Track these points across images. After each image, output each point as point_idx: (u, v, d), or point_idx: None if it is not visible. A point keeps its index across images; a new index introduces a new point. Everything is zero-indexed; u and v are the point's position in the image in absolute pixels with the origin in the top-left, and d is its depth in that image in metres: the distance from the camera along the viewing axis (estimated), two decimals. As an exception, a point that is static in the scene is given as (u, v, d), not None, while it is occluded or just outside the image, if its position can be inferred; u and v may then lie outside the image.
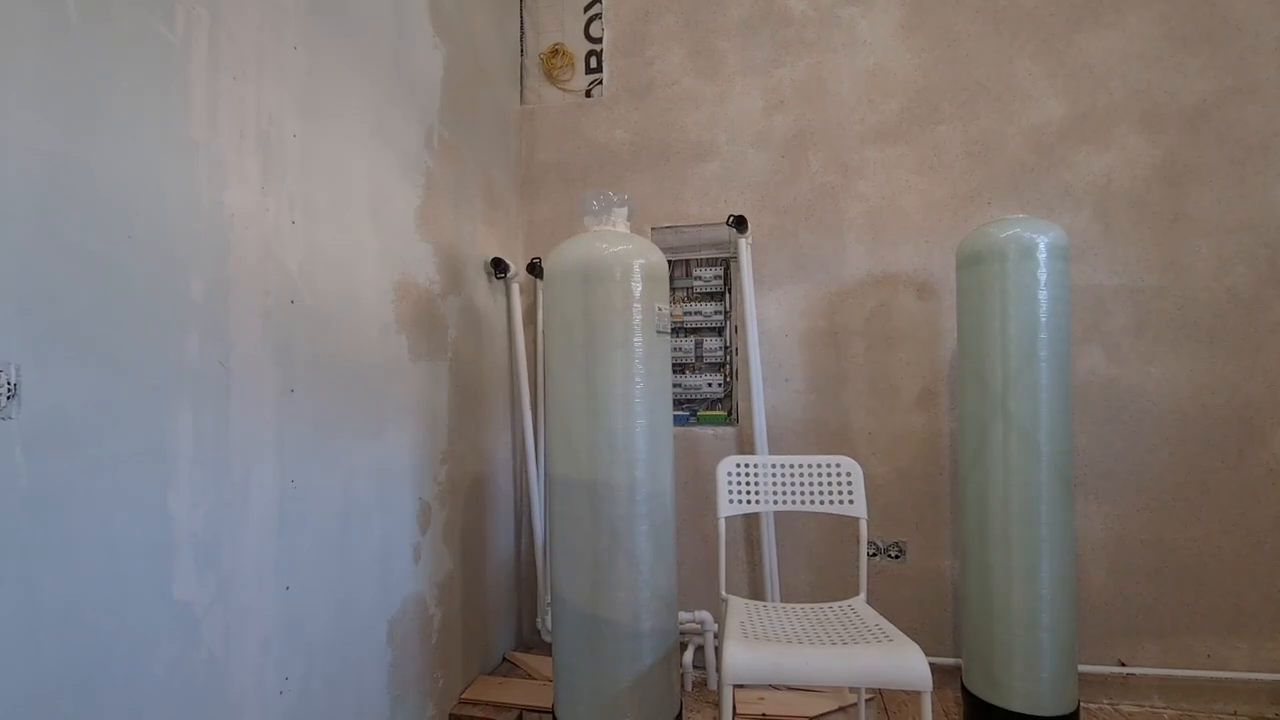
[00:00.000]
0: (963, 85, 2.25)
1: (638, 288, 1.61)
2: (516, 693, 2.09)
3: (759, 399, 2.27)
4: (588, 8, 2.57)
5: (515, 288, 2.46)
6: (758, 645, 1.38)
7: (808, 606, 1.70)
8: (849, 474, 1.76)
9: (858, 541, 1.72)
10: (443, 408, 2.00)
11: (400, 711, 1.74)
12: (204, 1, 1.21)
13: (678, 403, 2.46)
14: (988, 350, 1.75)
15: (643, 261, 1.63)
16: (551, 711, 1.76)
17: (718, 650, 2.09)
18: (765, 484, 1.82)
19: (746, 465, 1.84)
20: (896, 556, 2.26)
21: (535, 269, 2.52)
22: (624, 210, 1.71)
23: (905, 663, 1.31)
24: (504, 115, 2.50)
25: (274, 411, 1.35)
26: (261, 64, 1.34)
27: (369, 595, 1.64)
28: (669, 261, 1.79)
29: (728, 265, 2.46)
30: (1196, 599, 2.02)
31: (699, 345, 2.47)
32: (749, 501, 1.82)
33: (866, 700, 1.89)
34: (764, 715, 1.94)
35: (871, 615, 1.60)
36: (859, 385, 2.31)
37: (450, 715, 1.99)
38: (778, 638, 1.47)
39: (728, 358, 2.46)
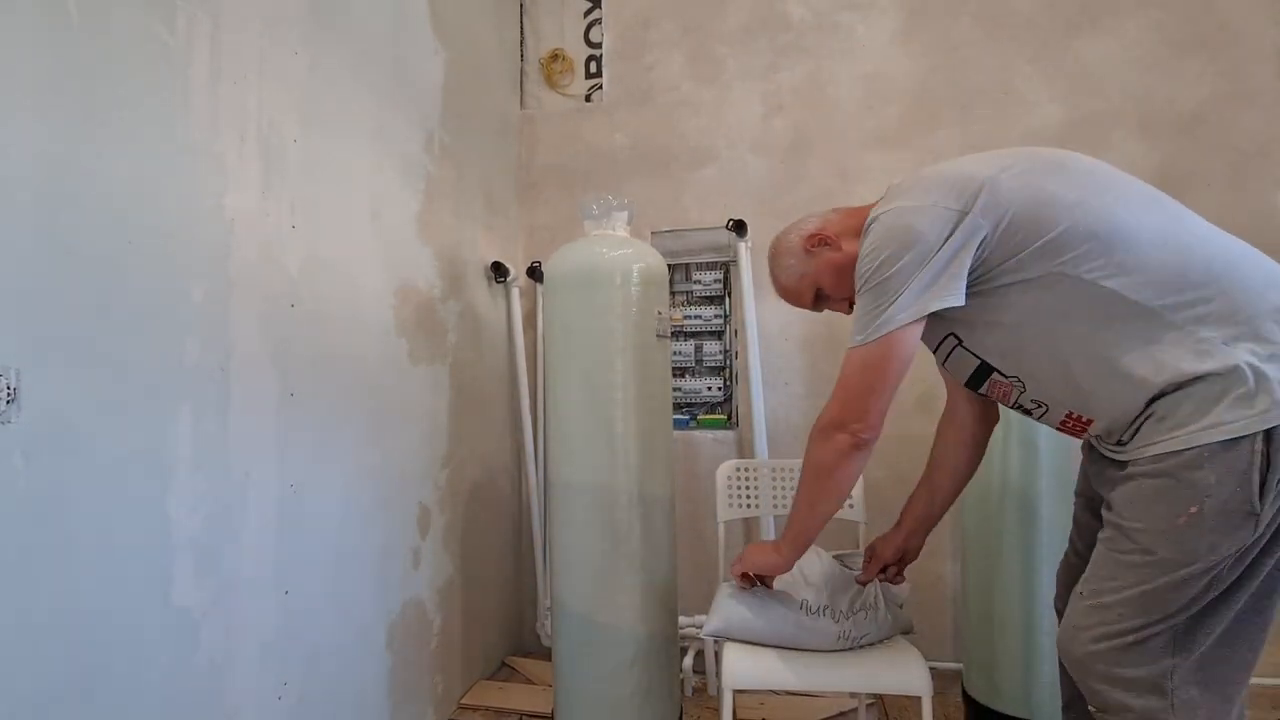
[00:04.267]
0: (961, 90, 2.26)
1: (637, 292, 1.61)
2: (516, 698, 2.08)
3: (759, 403, 2.27)
4: (587, 13, 2.58)
5: (515, 292, 2.47)
6: (759, 651, 1.38)
7: (808, 611, 1.70)
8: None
9: (857, 546, 1.72)
10: (443, 412, 2.00)
11: (399, 716, 1.74)
12: (205, 6, 1.21)
13: (677, 406, 2.46)
14: (987, 354, 1.75)
15: (642, 266, 1.63)
16: (551, 716, 1.76)
17: (718, 655, 2.09)
18: (765, 488, 1.81)
19: (746, 469, 1.83)
20: (896, 561, 2.26)
21: (535, 273, 2.52)
22: (624, 215, 1.71)
23: (905, 668, 1.31)
24: (504, 120, 2.51)
25: (273, 415, 1.35)
26: (262, 69, 1.34)
27: (368, 600, 1.63)
28: (668, 266, 1.79)
29: (727, 269, 2.46)
30: (1197, 603, 2.01)
31: (699, 349, 2.47)
32: (749, 505, 1.81)
33: (867, 705, 1.88)
34: (764, 720, 1.93)
35: (872, 620, 1.59)
36: (859, 389, 2.30)
37: (449, 720, 1.98)
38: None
39: (727, 362, 2.46)
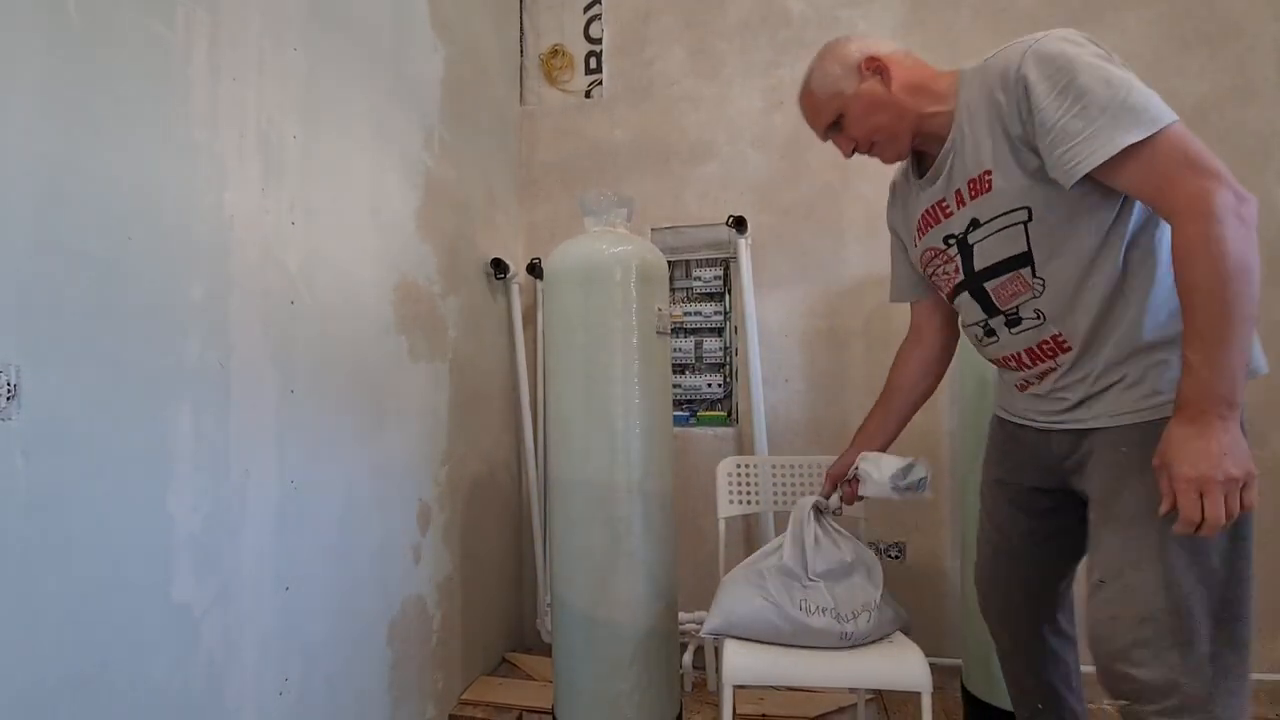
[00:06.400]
0: (962, 86, 2.25)
1: (637, 288, 1.61)
2: (516, 694, 2.09)
3: (759, 399, 2.27)
4: (587, 8, 2.57)
5: (515, 288, 2.46)
6: (758, 647, 1.38)
7: (807, 607, 1.70)
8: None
9: (860, 537, 1.72)
10: (443, 408, 2.00)
11: (400, 712, 1.74)
12: (204, 3, 1.21)
13: (677, 403, 2.46)
14: (987, 351, 1.75)
15: (642, 262, 1.63)
16: (551, 713, 1.76)
17: (718, 651, 2.09)
18: (765, 484, 1.81)
19: (746, 465, 1.84)
20: (897, 557, 2.26)
21: (535, 270, 2.52)
22: (623, 211, 1.71)
23: (905, 663, 1.31)
24: (504, 116, 2.50)
25: (274, 412, 1.35)
26: (262, 66, 1.34)
27: (369, 596, 1.63)
28: (668, 262, 1.78)
29: (727, 266, 2.46)
30: (1196, 599, 2.01)
31: (699, 346, 2.47)
32: (749, 502, 1.82)
33: (867, 700, 1.88)
34: (764, 716, 1.94)
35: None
36: (859, 385, 2.30)
37: (450, 716, 1.99)
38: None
39: (727, 358, 2.46)
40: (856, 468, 1.38)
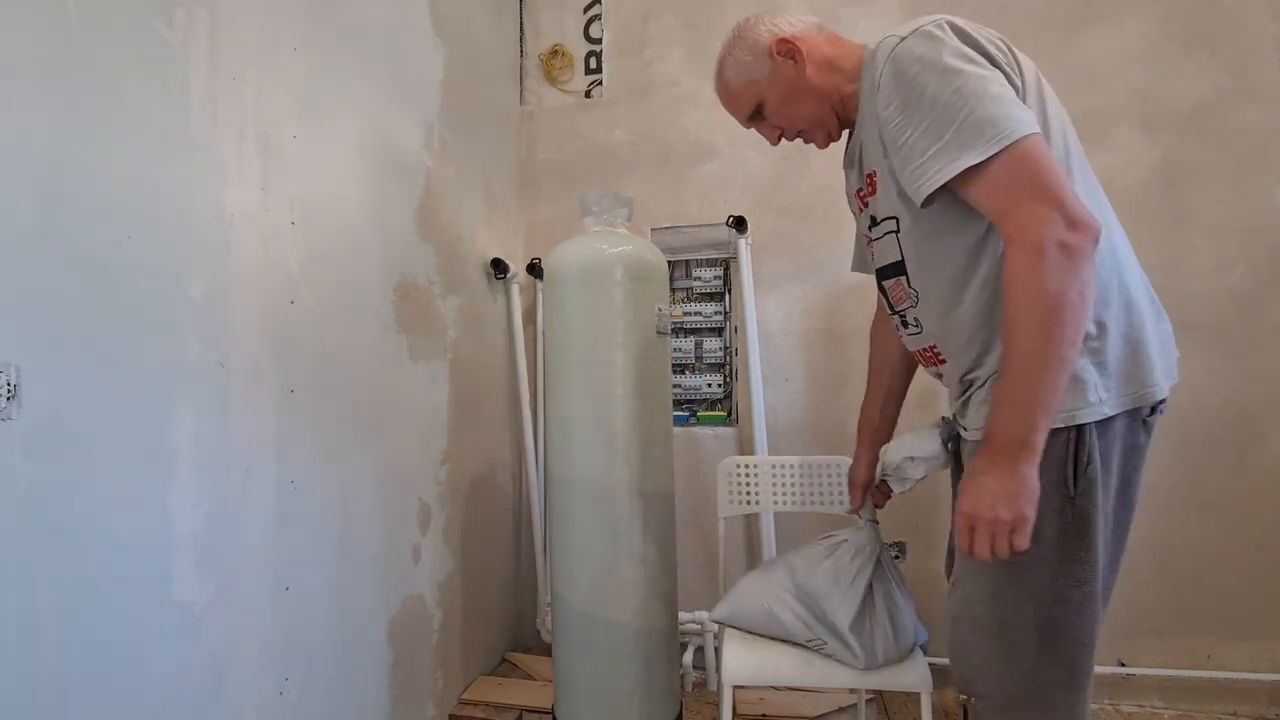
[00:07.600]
0: (962, 86, 2.25)
1: (637, 288, 1.61)
2: (516, 693, 2.09)
3: (759, 399, 2.27)
4: (587, 9, 2.57)
5: (515, 288, 2.46)
6: (758, 646, 1.38)
7: (808, 607, 1.70)
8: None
9: (858, 542, 1.72)
10: (443, 408, 2.00)
11: (400, 712, 1.74)
12: (204, 3, 1.21)
13: (677, 403, 2.46)
14: (987, 351, 1.75)
15: (642, 262, 1.63)
16: (551, 712, 1.76)
17: (718, 651, 2.09)
18: (765, 484, 1.81)
19: (746, 465, 1.83)
20: (897, 557, 2.26)
21: (535, 269, 2.52)
22: (624, 211, 1.71)
23: (905, 665, 1.31)
24: (504, 116, 2.50)
25: (274, 412, 1.35)
26: (261, 65, 1.34)
27: (369, 595, 1.63)
28: (669, 262, 1.79)
29: (727, 266, 2.46)
30: (1196, 600, 2.01)
31: (699, 346, 2.47)
32: (749, 502, 1.81)
33: (867, 700, 1.88)
34: (764, 716, 1.94)
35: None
36: (859, 385, 2.29)
37: (450, 716, 1.99)
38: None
39: (727, 358, 2.46)
40: (882, 467, 1.29)
